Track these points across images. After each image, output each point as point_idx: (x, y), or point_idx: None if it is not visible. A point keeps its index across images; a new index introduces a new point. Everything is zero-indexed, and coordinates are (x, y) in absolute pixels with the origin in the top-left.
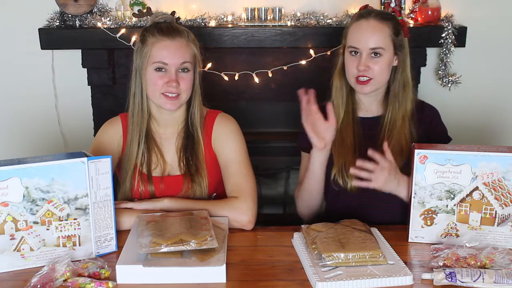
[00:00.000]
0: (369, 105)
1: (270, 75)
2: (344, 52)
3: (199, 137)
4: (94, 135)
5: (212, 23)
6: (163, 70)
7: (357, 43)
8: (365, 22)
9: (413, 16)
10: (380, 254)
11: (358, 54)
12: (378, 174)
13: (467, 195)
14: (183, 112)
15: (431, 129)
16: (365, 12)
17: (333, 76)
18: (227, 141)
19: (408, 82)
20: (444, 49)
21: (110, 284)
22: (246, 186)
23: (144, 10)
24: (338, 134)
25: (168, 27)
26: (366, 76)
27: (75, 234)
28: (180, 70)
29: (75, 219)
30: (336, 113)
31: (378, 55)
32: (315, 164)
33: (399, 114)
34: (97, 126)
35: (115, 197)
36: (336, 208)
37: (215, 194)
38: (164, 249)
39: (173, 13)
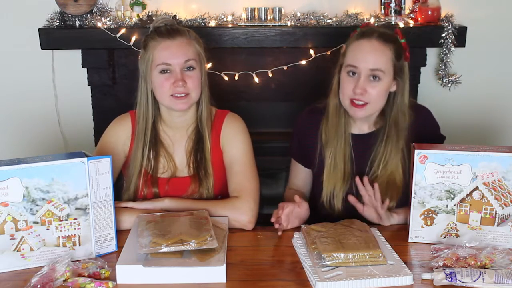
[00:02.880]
0: (361, 124)
1: (270, 75)
2: (341, 71)
3: (206, 137)
4: (94, 135)
5: (212, 23)
6: (167, 71)
7: (357, 62)
8: (366, 42)
9: (413, 16)
10: (380, 254)
11: (356, 75)
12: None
13: (467, 195)
14: (193, 114)
15: (424, 130)
16: (368, 31)
17: (329, 95)
18: (234, 141)
19: (406, 109)
20: (444, 49)
21: (110, 284)
22: (248, 186)
23: (143, 13)
24: (331, 159)
25: (167, 28)
26: (361, 100)
27: (75, 234)
28: (185, 69)
29: (75, 219)
30: (330, 136)
31: (377, 78)
32: None
33: (396, 147)
34: (97, 126)
35: (120, 197)
36: (319, 214)
37: (220, 196)
38: (164, 249)
39: (175, 16)
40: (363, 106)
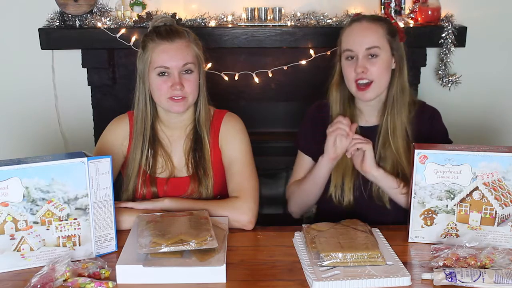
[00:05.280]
0: (369, 115)
1: (270, 75)
2: (341, 59)
3: (205, 138)
4: (94, 135)
5: (212, 23)
6: (166, 74)
7: (352, 45)
8: (357, 24)
9: (413, 16)
10: (379, 255)
11: (355, 57)
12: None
13: (467, 195)
14: (191, 114)
15: (431, 131)
16: (358, 17)
17: (330, 88)
18: (232, 140)
19: (406, 86)
20: (444, 49)
21: (110, 284)
22: (248, 186)
23: (142, 13)
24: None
25: (167, 30)
26: (365, 79)
27: (75, 234)
28: (184, 72)
29: (75, 219)
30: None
31: (375, 55)
32: (323, 171)
33: (398, 121)
34: (97, 126)
35: (119, 198)
36: (326, 209)
37: (219, 196)
38: (164, 249)
39: (174, 14)
40: (369, 86)
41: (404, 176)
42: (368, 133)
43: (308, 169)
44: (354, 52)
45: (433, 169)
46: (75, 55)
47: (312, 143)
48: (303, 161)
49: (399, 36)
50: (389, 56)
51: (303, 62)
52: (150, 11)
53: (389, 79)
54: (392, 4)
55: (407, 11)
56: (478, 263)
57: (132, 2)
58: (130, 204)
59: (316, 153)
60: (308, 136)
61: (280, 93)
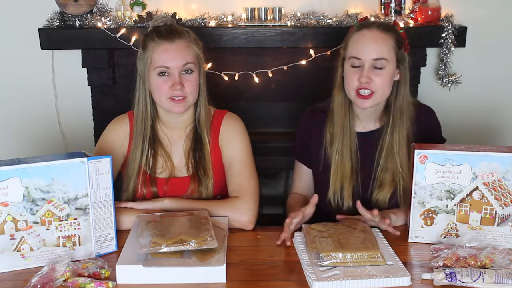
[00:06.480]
0: (366, 121)
1: (270, 75)
2: (344, 64)
3: (205, 138)
4: (94, 135)
5: (212, 23)
6: (166, 74)
7: (360, 54)
8: (368, 32)
9: (413, 16)
10: (379, 255)
11: (360, 66)
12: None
13: (467, 195)
14: (191, 114)
15: (426, 129)
16: (367, 23)
17: (333, 90)
18: (232, 141)
19: (409, 98)
20: (444, 49)
21: (110, 284)
22: (248, 186)
23: (143, 13)
24: (338, 156)
25: (167, 30)
26: (368, 89)
27: (75, 234)
28: (184, 72)
29: (75, 219)
30: (336, 132)
31: (381, 67)
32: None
33: (403, 133)
34: (97, 126)
35: (119, 198)
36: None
37: (219, 196)
38: (164, 249)
39: (174, 14)
40: (370, 96)
41: (404, 185)
42: (364, 138)
43: (307, 179)
44: (361, 61)
45: (433, 169)
46: (75, 55)
47: (307, 152)
48: (301, 171)
49: (404, 46)
50: (394, 68)
51: (303, 62)
52: (150, 11)
53: (390, 90)
54: (392, 4)
55: (407, 11)
56: (478, 263)
57: (132, 2)
58: (130, 204)
59: (312, 161)
60: (304, 145)
61: (280, 93)
